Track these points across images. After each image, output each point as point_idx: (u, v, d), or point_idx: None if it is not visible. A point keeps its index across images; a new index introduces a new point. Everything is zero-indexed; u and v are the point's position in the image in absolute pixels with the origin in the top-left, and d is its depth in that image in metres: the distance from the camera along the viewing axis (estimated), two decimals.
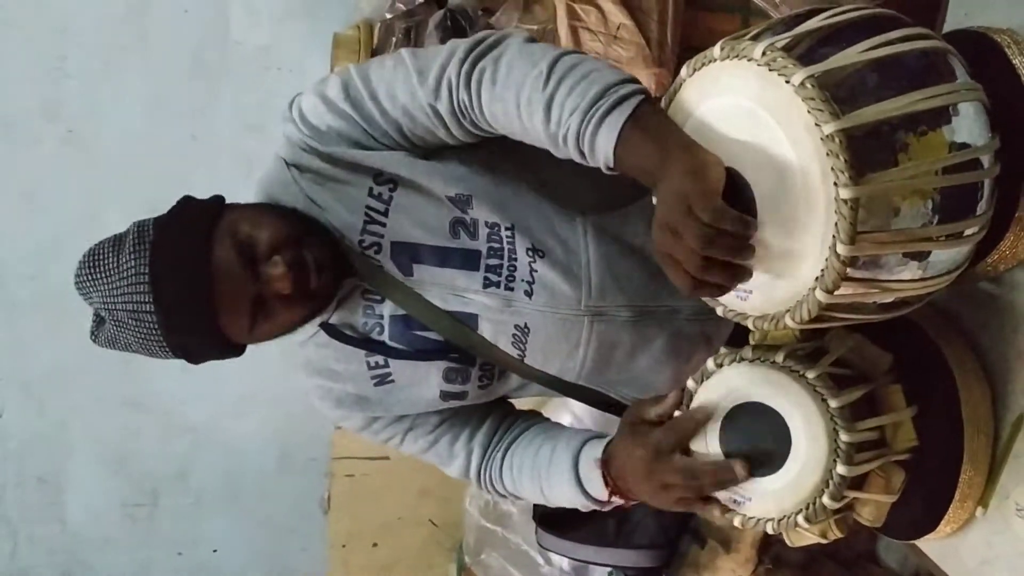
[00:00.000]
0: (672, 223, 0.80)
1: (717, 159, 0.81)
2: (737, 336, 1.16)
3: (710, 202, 0.79)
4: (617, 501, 1.07)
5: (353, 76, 1.05)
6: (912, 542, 1.08)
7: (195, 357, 1.05)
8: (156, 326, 0.99)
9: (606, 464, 1.06)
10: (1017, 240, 0.91)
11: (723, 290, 0.84)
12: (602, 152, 0.88)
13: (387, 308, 1.10)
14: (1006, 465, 0.96)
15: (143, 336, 1.00)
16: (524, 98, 0.92)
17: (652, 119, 0.86)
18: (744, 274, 0.83)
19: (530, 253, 1.07)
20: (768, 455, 0.92)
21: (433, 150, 1.08)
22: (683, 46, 1.91)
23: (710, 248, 0.79)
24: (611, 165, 0.88)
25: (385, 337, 1.10)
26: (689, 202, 0.79)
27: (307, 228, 1.05)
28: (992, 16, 0.98)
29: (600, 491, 1.08)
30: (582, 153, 0.91)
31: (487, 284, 1.07)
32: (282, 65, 2.36)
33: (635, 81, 0.89)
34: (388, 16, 2.11)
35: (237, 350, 1.07)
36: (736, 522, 0.95)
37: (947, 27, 1.07)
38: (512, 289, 1.08)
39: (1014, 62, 0.90)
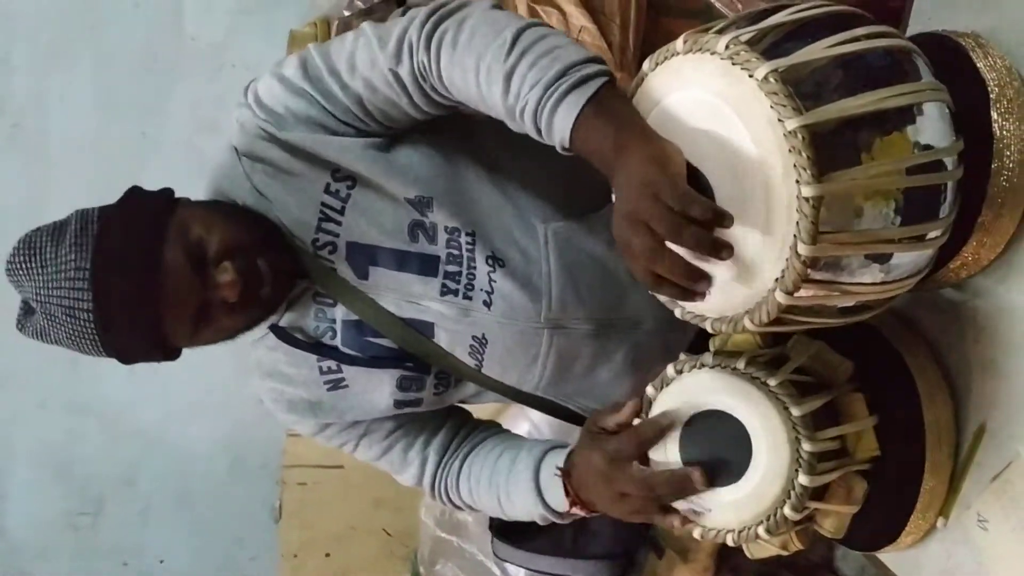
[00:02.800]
0: (637, 212, 0.78)
1: (677, 148, 0.80)
2: (698, 346, 1.14)
3: (676, 188, 0.76)
4: (578, 512, 1.05)
5: (312, 53, 1.02)
6: (872, 553, 1.06)
7: (128, 358, 1.01)
8: (92, 325, 0.95)
9: (567, 474, 1.04)
10: (980, 246, 0.90)
11: (685, 292, 0.82)
12: (558, 131, 0.85)
13: (339, 312, 1.06)
14: (968, 475, 0.95)
15: (76, 334, 0.96)
16: (484, 66, 0.90)
17: (614, 103, 0.84)
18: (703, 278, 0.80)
19: (490, 262, 1.04)
20: (728, 464, 0.90)
21: (397, 139, 1.04)
22: (645, 51, 1.89)
23: (679, 237, 0.76)
24: (566, 146, 0.86)
25: (337, 342, 1.07)
26: (655, 189, 0.76)
27: (263, 233, 1.02)
28: (955, 20, 0.97)
29: (560, 501, 1.06)
30: (539, 130, 0.88)
31: (444, 292, 1.04)
32: (236, 62, 2.33)
33: (600, 62, 0.87)
34: (346, 13, 2.09)
35: (174, 353, 1.03)
36: (695, 533, 0.94)
37: (910, 30, 1.06)
38: (470, 298, 1.05)
39: (978, 65, 0.89)
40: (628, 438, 0.96)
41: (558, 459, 1.06)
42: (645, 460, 0.96)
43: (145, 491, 2.63)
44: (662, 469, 0.94)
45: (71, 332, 0.96)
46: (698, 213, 0.76)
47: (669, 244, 0.78)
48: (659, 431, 0.94)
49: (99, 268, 0.94)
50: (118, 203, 1.00)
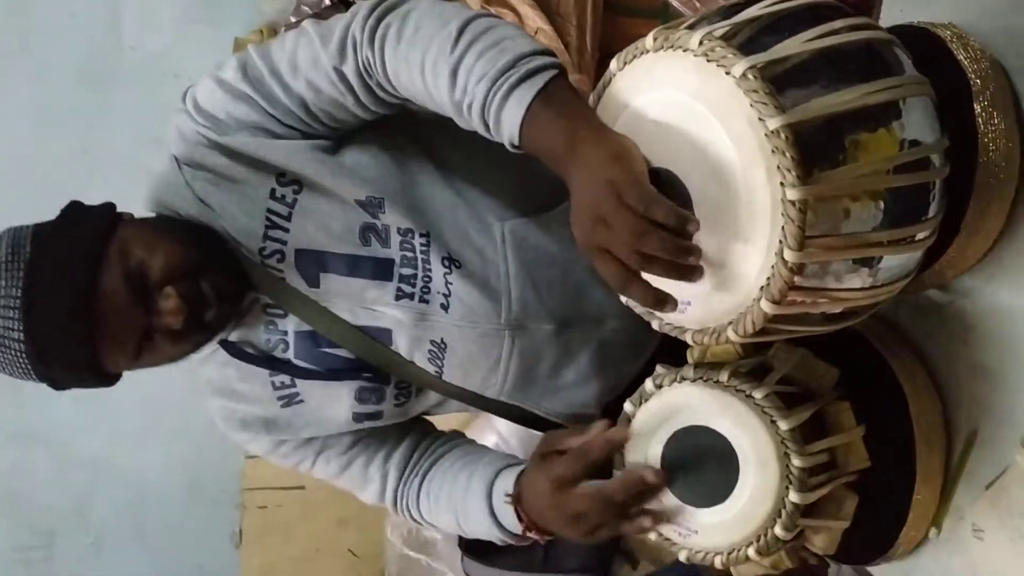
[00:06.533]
0: (602, 213, 0.74)
1: (634, 142, 0.77)
2: (667, 346, 1.10)
3: (640, 189, 0.73)
4: (533, 536, 1.01)
5: (252, 54, 0.98)
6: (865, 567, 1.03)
7: (62, 385, 0.97)
8: (24, 356, 0.91)
9: (518, 498, 1.00)
10: (966, 244, 0.88)
11: (659, 297, 0.77)
12: (507, 127, 0.82)
13: (291, 324, 1.02)
14: (960, 483, 0.93)
15: (6, 362, 0.93)
16: (430, 60, 0.86)
17: (565, 96, 0.81)
18: (689, 272, 0.75)
19: (445, 263, 1.00)
20: (714, 483, 0.86)
21: (344, 140, 1.00)
22: (603, 52, 1.87)
23: (644, 242, 0.73)
24: (516, 142, 0.82)
25: (290, 355, 1.03)
26: (618, 190, 0.73)
27: (207, 252, 0.97)
28: (929, 12, 0.94)
29: (515, 525, 1.02)
30: (487, 126, 0.84)
31: (400, 296, 1.01)
32: (180, 72, 2.26)
33: (550, 54, 0.83)
34: (292, 19, 2.05)
35: (111, 380, 0.99)
36: (682, 557, 0.90)
37: (882, 22, 1.03)
38: (427, 301, 1.01)
39: (958, 57, 0.86)
40: (572, 458, 0.91)
41: (508, 483, 1.02)
42: (601, 475, 0.92)
43: (98, 521, 2.55)
44: (615, 478, 0.90)
45: (1, 360, 0.92)
46: (662, 217, 0.73)
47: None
48: (606, 446, 0.91)
49: (32, 296, 0.89)
50: (54, 223, 0.96)
